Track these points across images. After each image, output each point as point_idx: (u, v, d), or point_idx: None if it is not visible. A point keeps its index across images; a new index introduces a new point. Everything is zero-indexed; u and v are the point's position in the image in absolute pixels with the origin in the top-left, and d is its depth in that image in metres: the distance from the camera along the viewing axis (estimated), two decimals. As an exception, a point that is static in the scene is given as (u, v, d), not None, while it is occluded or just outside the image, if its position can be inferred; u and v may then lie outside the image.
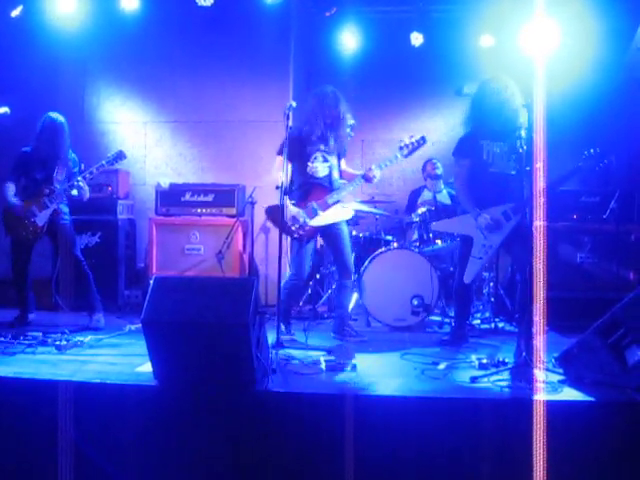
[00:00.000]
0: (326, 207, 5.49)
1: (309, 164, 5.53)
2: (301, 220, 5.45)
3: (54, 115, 6.04)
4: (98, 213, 7.19)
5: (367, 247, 6.76)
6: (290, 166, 5.46)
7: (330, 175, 5.56)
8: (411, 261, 6.12)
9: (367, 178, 5.51)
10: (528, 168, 4.68)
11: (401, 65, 8.10)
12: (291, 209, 5.43)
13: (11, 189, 5.99)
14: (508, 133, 5.14)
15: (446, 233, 6.31)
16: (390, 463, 3.77)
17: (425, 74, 8.09)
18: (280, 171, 5.17)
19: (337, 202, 5.51)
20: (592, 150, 5.00)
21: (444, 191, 7.27)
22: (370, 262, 6.22)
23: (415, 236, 6.71)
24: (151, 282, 4.13)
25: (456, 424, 3.78)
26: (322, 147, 5.54)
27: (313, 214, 5.48)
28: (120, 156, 6.01)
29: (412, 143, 5.47)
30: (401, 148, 5.51)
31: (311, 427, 3.82)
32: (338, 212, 5.52)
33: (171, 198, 7.25)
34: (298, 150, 5.49)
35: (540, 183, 4.66)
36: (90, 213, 7.10)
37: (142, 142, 8.05)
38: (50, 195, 5.92)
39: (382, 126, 8.45)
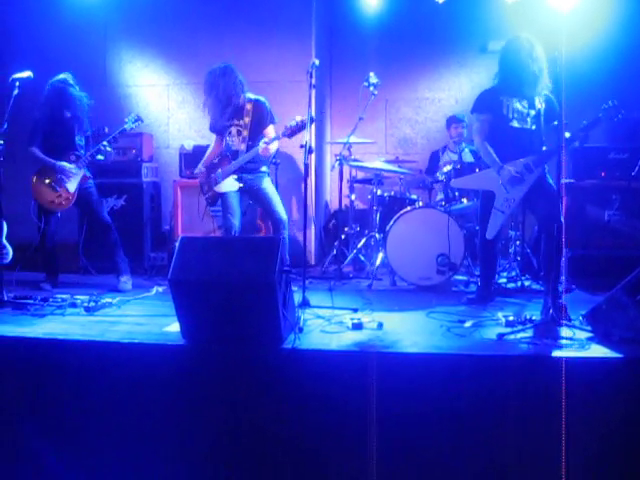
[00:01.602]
0: (225, 176, 5.80)
1: (226, 137, 5.87)
2: (206, 186, 5.94)
3: (55, 79, 6.02)
4: (123, 176, 7.21)
5: (392, 206, 6.71)
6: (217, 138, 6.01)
7: (238, 148, 5.80)
8: (436, 220, 6.07)
9: (260, 149, 5.64)
10: (556, 122, 4.63)
11: (425, 22, 7.97)
12: (200, 174, 5.99)
13: (38, 152, 6.00)
14: (527, 90, 5.13)
15: (472, 191, 6.25)
16: (414, 420, 3.79)
17: (449, 31, 7.97)
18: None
19: (232, 172, 5.78)
20: (610, 102, 4.93)
21: (466, 149, 7.20)
22: (395, 221, 6.19)
23: (441, 195, 6.66)
24: (177, 242, 4.15)
25: (483, 381, 3.77)
26: (235, 121, 5.81)
27: (216, 181, 5.84)
28: (137, 119, 6.11)
29: (293, 126, 5.45)
30: (285, 128, 5.51)
31: (337, 384, 3.84)
32: (229, 183, 5.80)
33: (195, 160, 7.19)
34: (217, 127, 5.94)
35: (567, 134, 4.63)
36: (115, 176, 7.13)
37: (165, 105, 8.04)
38: (77, 161, 5.94)
39: (406, 85, 8.36)
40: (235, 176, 5.77)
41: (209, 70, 5.84)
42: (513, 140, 5.17)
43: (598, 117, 4.96)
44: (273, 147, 5.68)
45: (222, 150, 5.92)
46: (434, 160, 7.67)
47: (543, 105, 5.12)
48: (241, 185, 5.78)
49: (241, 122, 5.79)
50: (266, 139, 5.63)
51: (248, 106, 5.77)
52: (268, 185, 5.91)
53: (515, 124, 5.17)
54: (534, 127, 5.17)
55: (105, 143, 5.95)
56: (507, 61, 5.19)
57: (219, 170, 5.82)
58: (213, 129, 6.01)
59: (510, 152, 5.14)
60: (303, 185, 5.23)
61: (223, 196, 5.84)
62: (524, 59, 5.06)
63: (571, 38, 4.92)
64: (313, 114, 5.27)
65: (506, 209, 5.16)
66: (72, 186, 5.94)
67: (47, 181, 5.95)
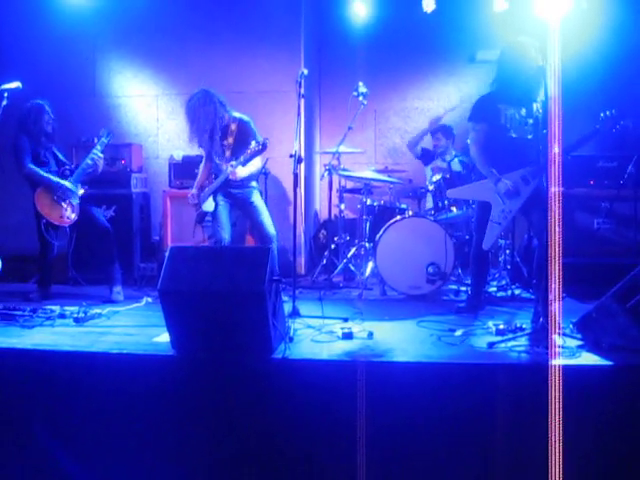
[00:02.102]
0: (206, 197, 5.87)
1: (214, 157, 5.83)
2: (194, 201, 5.94)
3: (33, 102, 6.00)
4: (112, 187, 7.19)
5: (382, 216, 6.71)
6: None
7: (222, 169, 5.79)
8: (426, 229, 6.08)
9: (227, 174, 5.64)
10: (545, 131, 4.62)
11: (413, 33, 7.99)
12: (192, 191, 5.97)
13: (37, 170, 5.92)
14: (526, 98, 5.08)
15: (462, 200, 6.26)
16: (406, 430, 3.78)
17: (438, 41, 7.98)
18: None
19: (211, 194, 5.83)
20: (608, 112, 4.90)
21: (456, 160, 7.22)
22: (385, 231, 6.19)
23: (430, 204, 6.67)
24: (167, 252, 4.14)
25: (473, 390, 3.77)
26: (223, 142, 5.78)
27: (202, 201, 5.89)
28: (109, 133, 6.11)
29: (251, 149, 5.44)
30: (245, 153, 5.51)
31: (328, 394, 3.83)
32: (208, 203, 5.87)
33: (184, 170, 7.25)
34: (207, 146, 5.87)
35: (556, 148, 4.61)
36: (104, 187, 7.11)
37: (154, 115, 8.03)
38: (71, 176, 5.95)
39: (395, 95, 8.38)
40: (211, 197, 5.84)
41: (188, 99, 5.81)
42: (511, 150, 5.09)
43: (596, 128, 4.90)
44: (241, 171, 5.58)
45: (211, 170, 5.92)
46: (427, 154, 7.70)
47: (541, 112, 5.05)
48: (213, 206, 5.84)
49: (225, 142, 5.78)
50: (233, 162, 5.59)
51: (232, 126, 5.74)
52: (257, 199, 5.87)
53: (513, 134, 5.09)
54: (531, 136, 5.09)
55: (96, 153, 5.94)
56: (506, 67, 5.11)
57: (206, 189, 5.86)
58: (200, 146, 5.98)
59: (508, 162, 5.06)
60: (293, 195, 5.23)
61: (213, 211, 5.85)
62: (524, 65, 4.99)
63: (561, 47, 4.94)
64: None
65: (502, 220, 5.10)
66: (75, 200, 5.94)
67: (54, 197, 5.90)
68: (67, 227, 6.24)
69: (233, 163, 5.58)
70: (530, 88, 5.02)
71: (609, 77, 7.26)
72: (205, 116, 5.67)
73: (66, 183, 5.91)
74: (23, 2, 7.48)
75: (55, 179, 5.92)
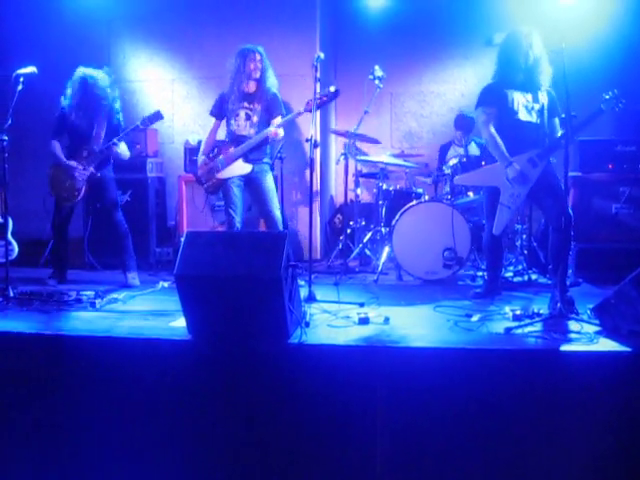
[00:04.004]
0: (230, 161, 5.68)
1: (231, 121, 5.72)
2: (205, 176, 5.78)
3: (81, 72, 6.00)
4: (128, 171, 7.16)
5: (398, 200, 6.69)
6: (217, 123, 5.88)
7: (246, 133, 5.69)
8: (443, 214, 6.06)
9: (271, 133, 5.56)
10: (564, 115, 4.61)
11: (429, 16, 7.93)
12: (200, 161, 5.81)
13: (57, 146, 5.99)
14: (532, 83, 5.11)
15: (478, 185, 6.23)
16: (422, 415, 3.77)
17: (454, 24, 7.91)
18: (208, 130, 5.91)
19: (239, 157, 5.65)
20: (610, 92, 4.90)
21: (472, 143, 7.18)
22: (401, 215, 6.17)
23: (447, 189, 6.64)
24: (183, 237, 4.13)
25: (490, 375, 3.75)
26: (245, 104, 5.67)
27: (219, 167, 5.70)
28: (157, 116, 5.97)
29: (319, 98, 5.33)
30: (307, 103, 5.39)
31: (344, 379, 3.82)
32: (237, 167, 5.66)
33: (200, 155, 7.24)
34: (222, 110, 5.79)
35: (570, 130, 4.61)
36: (120, 171, 7.07)
37: (169, 99, 8.02)
38: (88, 157, 5.91)
39: (411, 78, 8.32)
40: (242, 159, 5.65)
41: (243, 48, 5.70)
42: (520, 133, 5.12)
43: (600, 109, 4.92)
44: (282, 132, 5.60)
45: (226, 136, 5.82)
46: (443, 154, 7.63)
47: (546, 100, 5.12)
48: (250, 168, 5.66)
49: (252, 106, 5.66)
50: (276, 122, 5.53)
51: (263, 94, 5.66)
52: (269, 182, 5.79)
53: (522, 117, 5.12)
54: (539, 121, 5.14)
55: (115, 140, 5.89)
56: (505, 55, 5.15)
57: (221, 157, 5.72)
58: (218, 110, 5.84)
59: (517, 145, 5.10)
60: (309, 179, 5.21)
61: (225, 187, 5.73)
62: (522, 53, 5.03)
63: (576, 30, 4.89)
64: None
65: (512, 204, 5.12)
66: (79, 182, 5.90)
67: (61, 174, 5.93)
68: (82, 212, 6.25)
69: (279, 121, 5.54)
70: (530, 74, 5.07)
71: (624, 59, 7.18)
72: (248, 69, 5.62)
73: (72, 163, 5.90)
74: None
75: (62, 160, 5.94)
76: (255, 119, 5.66)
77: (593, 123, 4.90)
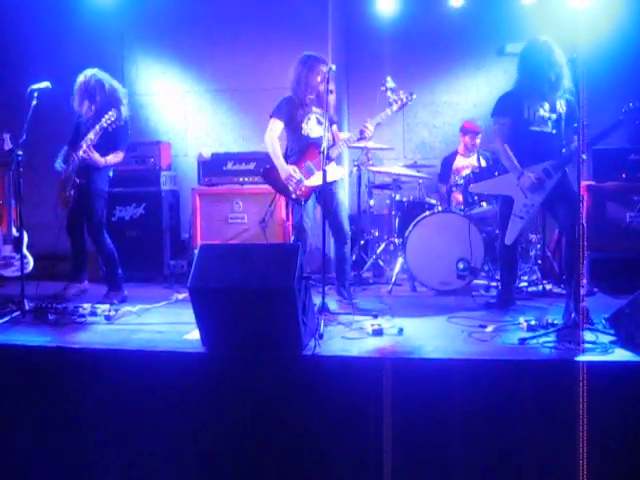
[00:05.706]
0: (319, 167, 5.37)
1: (303, 125, 5.52)
2: (297, 177, 5.42)
3: (81, 75, 5.99)
4: (141, 185, 7.22)
5: (411, 211, 6.68)
6: (284, 129, 5.57)
7: (324, 136, 5.41)
8: (456, 224, 6.05)
9: (362, 134, 5.44)
10: (575, 125, 4.60)
11: (440, 26, 7.91)
12: (286, 167, 5.43)
13: (61, 153, 5.98)
14: (549, 94, 5.11)
15: (492, 195, 6.21)
16: (436, 426, 3.77)
17: (466, 35, 7.90)
18: (272, 133, 5.48)
19: (331, 161, 5.46)
20: (631, 104, 4.89)
21: (476, 154, 7.14)
22: (414, 226, 6.17)
23: (460, 199, 6.63)
24: (196, 250, 4.15)
25: (504, 386, 3.75)
26: (314, 109, 5.55)
27: (309, 173, 5.46)
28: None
29: (401, 99, 5.40)
30: (390, 104, 5.42)
31: (358, 390, 3.83)
32: (332, 171, 5.40)
33: (213, 168, 7.26)
34: (292, 113, 5.52)
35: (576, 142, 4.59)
36: (134, 185, 7.16)
37: (182, 112, 8.07)
38: (72, 163, 5.78)
39: (423, 89, 8.25)
40: (335, 163, 5.47)
41: (305, 56, 5.57)
42: (533, 144, 5.13)
43: (619, 120, 4.90)
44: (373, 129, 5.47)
45: (300, 142, 5.52)
46: (446, 166, 7.60)
47: (564, 109, 5.12)
48: (342, 171, 5.54)
49: (320, 111, 5.45)
50: (369, 119, 5.40)
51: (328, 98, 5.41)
52: (343, 193, 5.62)
53: (535, 128, 5.12)
54: (554, 131, 5.14)
55: (82, 143, 5.67)
56: (526, 65, 5.15)
57: (308, 162, 5.47)
58: (286, 115, 5.53)
59: (530, 156, 5.10)
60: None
61: (307, 197, 5.45)
62: (543, 62, 5.03)
63: (590, 36, 4.88)
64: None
65: (525, 215, 5.12)
66: (68, 189, 5.81)
67: (59, 178, 5.92)
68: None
69: (335, 128, 5.48)
70: (551, 84, 5.04)
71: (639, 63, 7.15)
72: (311, 81, 5.45)
73: (57, 166, 5.91)
74: (49, -1, 7.55)
75: (58, 165, 5.94)
76: (326, 123, 5.35)
77: (612, 135, 4.89)
